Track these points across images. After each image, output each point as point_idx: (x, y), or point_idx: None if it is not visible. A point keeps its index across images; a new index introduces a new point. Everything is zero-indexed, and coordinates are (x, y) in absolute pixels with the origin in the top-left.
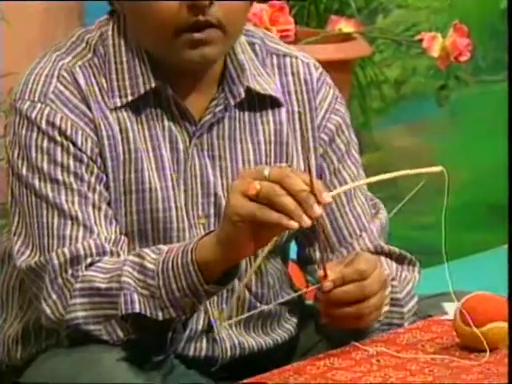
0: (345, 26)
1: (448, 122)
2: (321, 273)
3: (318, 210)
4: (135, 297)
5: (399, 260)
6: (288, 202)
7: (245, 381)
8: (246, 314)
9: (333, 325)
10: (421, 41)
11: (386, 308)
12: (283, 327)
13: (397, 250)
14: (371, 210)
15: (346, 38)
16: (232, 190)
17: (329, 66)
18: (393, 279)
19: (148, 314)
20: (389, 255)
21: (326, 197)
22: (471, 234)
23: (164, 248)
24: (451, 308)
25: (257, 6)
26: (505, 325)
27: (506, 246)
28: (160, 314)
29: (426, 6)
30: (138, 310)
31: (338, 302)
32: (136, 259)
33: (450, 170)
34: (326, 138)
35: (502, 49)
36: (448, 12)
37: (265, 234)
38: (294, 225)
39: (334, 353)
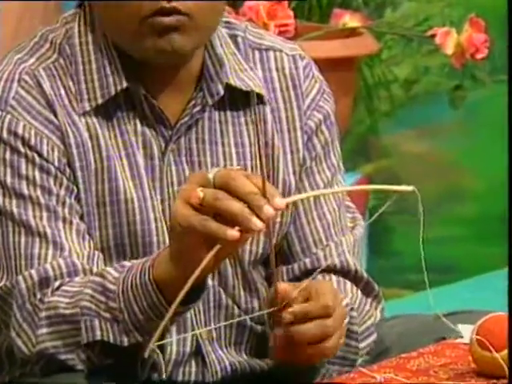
0: (350, 20)
1: (463, 126)
2: (271, 292)
3: (269, 211)
4: (96, 323)
5: (365, 290)
6: (232, 205)
7: None
8: (223, 323)
9: (284, 361)
10: (433, 36)
11: (341, 340)
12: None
13: (365, 275)
14: (346, 221)
15: (351, 33)
16: (177, 196)
17: (332, 64)
18: (352, 309)
19: (111, 341)
20: (355, 279)
21: (279, 202)
22: (488, 248)
23: (127, 265)
24: (467, 330)
25: (253, 1)
26: None
27: None
28: (125, 340)
29: None
30: (99, 338)
31: (297, 341)
32: (97, 279)
33: (465, 178)
34: (304, 136)
35: None
36: (463, 5)
37: (217, 253)
38: (234, 235)
39: (338, 380)
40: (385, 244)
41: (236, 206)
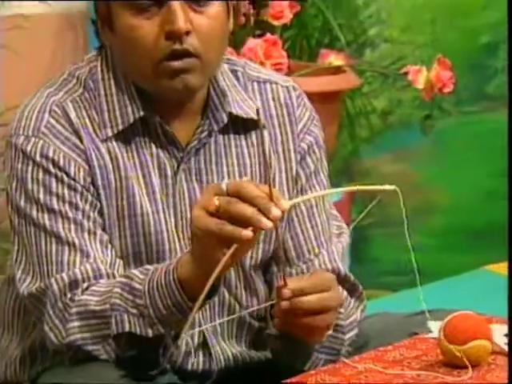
0: (335, 59)
1: (432, 151)
2: (280, 283)
3: (277, 212)
4: (125, 317)
5: (350, 290)
6: (244, 208)
7: None
8: (226, 318)
9: (285, 333)
10: (406, 74)
11: (329, 332)
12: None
13: (352, 277)
14: (333, 230)
15: (336, 70)
16: (195, 206)
17: (320, 97)
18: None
19: (138, 333)
20: (343, 281)
21: (284, 204)
22: (453, 255)
23: (151, 268)
24: (435, 326)
25: (252, 41)
26: (485, 342)
27: (485, 268)
28: (150, 332)
29: (411, 40)
30: (127, 329)
31: (295, 312)
32: (125, 280)
33: (433, 195)
34: (298, 156)
35: (482, 81)
36: (432, 46)
37: (233, 253)
38: (247, 234)
39: (324, 369)
40: (365, 252)
41: (248, 210)
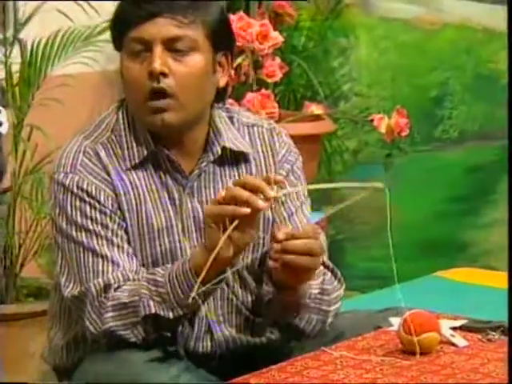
0: (315, 109)
1: (392, 182)
2: (276, 232)
3: (271, 193)
4: (151, 302)
5: (334, 274)
6: (242, 191)
7: (248, 375)
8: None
9: (279, 276)
10: (372, 120)
11: (315, 291)
12: (267, 332)
13: (331, 264)
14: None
15: (317, 118)
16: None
17: (304, 139)
18: (325, 274)
19: (162, 314)
20: (327, 268)
21: (278, 192)
22: (408, 264)
23: (169, 266)
24: (396, 321)
25: (250, 95)
26: (435, 334)
27: (434, 274)
28: (171, 314)
29: (376, 94)
30: (153, 311)
31: (287, 252)
32: (150, 276)
33: (394, 215)
34: (283, 173)
35: (431, 126)
36: (392, 99)
37: (237, 236)
38: (246, 210)
39: (307, 356)
40: (339, 260)
41: (245, 193)
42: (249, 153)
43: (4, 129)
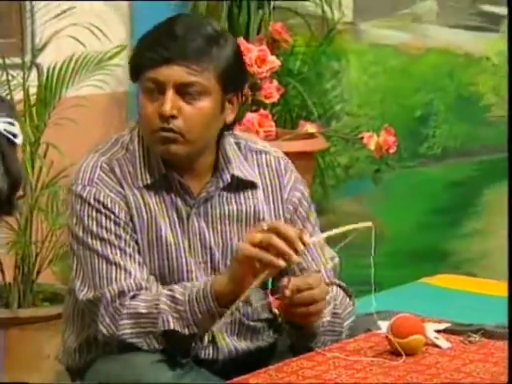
0: (310, 128)
1: (381, 195)
2: (285, 281)
3: (301, 246)
4: (170, 318)
5: (345, 292)
6: (282, 244)
7: (247, 375)
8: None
9: (290, 319)
10: (362, 138)
11: (327, 318)
12: (265, 338)
13: (344, 284)
14: (328, 254)
15: (311, 136)
16: (243, 240)
17: (299, 155)
18: (335, 299)
19: (179, 330)
20: (339, 286)
21: (308, 239)
22: (396, 271)
23: (188, 285)
24: (384, 325)
25: (249, 115)
26: (421, 337)
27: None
28: (186, 331)
29: (366, 114)
30: (172, 327)
31: (296, 304)
32: (169, 293)
33: (381, 227)
34: (291, 207)
35: (417, 144)
36: (381, 118)
37: (261, 271)
38: (282, 264)
39: (303, 357)
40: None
41: (284, 246)
42: (257, 182)
43: (19, 140)
